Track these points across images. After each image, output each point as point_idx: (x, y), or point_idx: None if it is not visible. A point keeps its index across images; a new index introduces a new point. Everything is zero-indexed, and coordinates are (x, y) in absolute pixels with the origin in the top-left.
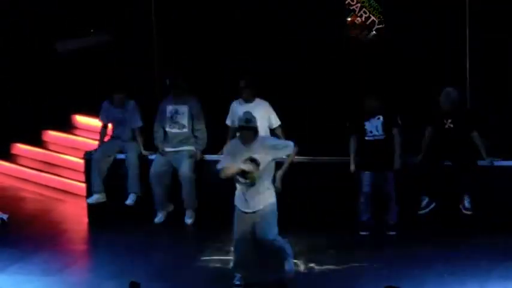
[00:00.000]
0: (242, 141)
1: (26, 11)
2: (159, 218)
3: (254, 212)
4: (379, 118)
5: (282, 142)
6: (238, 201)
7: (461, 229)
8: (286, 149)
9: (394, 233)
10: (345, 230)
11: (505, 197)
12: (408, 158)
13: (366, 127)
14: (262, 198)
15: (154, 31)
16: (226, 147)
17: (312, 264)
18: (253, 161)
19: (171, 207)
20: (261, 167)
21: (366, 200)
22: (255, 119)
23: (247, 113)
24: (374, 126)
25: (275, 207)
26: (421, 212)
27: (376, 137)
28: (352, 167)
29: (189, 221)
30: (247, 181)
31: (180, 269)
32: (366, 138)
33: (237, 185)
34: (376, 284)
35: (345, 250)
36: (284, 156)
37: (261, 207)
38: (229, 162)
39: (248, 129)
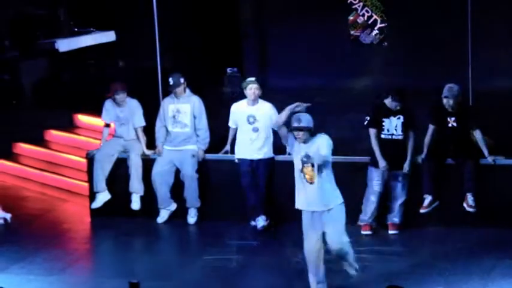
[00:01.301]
0: (298, 141)
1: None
2: (162, 217)
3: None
4: (399, 118)
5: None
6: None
7: (464, 227)
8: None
9: (396, 232)
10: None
11: (508, 195)
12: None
13: (383, 124)
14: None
15: (157, 29)
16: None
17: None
18: (308, 157)
19: (174, 206)
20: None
21: (376, 200)
22: (307, 120)
23: (300, 114)
24: (393, 125)
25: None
26: (423, 210)
27: (394, 136)
28: (382, 164)
29: (191, 220)
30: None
31: (182, 268)
32: (382, 136)
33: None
34: (378, 283)
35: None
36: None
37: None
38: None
39: (300, 130)
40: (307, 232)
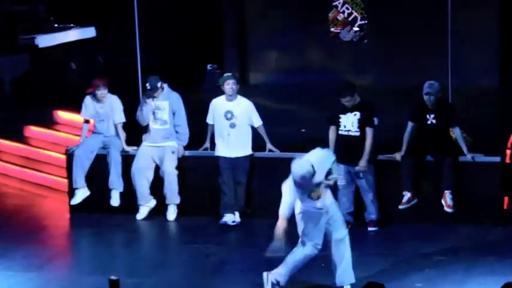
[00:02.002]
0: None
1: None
2: (142, 214)
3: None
4: (355, 114)
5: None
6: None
7: (442, 224)
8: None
9: (374, 229)
10: None
11: (486, 192)
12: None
13: (340, 120)
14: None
15: (137, 26)
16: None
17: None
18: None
19: (153, 203)
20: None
21: (344, 194)
22: (310, 172)
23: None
24: (350, 122)
25: None
26: (402, 207)
27: (351, 133)
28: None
29: (171, 216)
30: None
31: (161, 264)
32: (340, 132)
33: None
34: (357, 280)
35: (324, 247)
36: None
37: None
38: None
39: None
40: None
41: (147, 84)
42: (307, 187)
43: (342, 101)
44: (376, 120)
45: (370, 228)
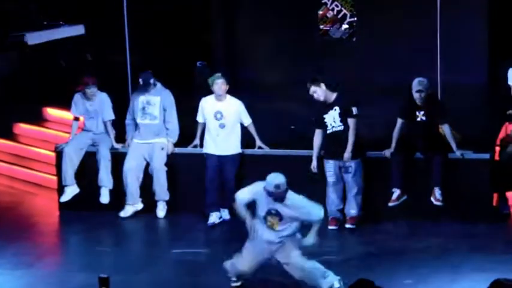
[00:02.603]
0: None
1: None
2: (126, 211)
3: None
4: (335, 109)
5: (307, 208)
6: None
7: (432, 221)
8: (310, 216)
9: (352, 226)
10: None
11: (476, 189)
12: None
13: (325, 120)
14: None
15: (126, 23)
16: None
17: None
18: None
19: (140, 206)
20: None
21: (332, 191)
22: (285, 185)
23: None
24: (332, 118)
25: None
26: (391, 204)
27: (334, 128)
28: (314, 163)
29: (161, 213)
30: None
31: (151, 262)
32: (328, 131)
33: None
34: (346, 277)
35: None
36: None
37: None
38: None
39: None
40: None
41: (140, 80)
42: (278, 197)
43: (315, 99)
44: (354, 110)
45: (347, 225)
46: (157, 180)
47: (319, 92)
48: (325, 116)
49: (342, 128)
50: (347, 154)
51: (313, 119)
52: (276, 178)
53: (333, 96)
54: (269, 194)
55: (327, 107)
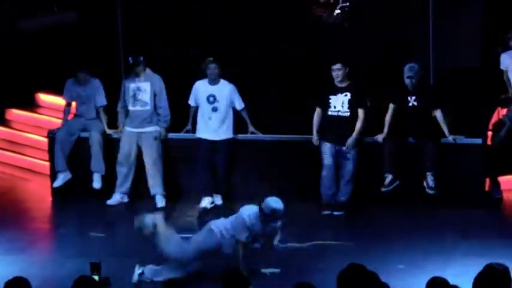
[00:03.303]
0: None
1: None
2: (114, 200)
3: None
4: (346, 95)
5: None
6: None
7: (424, 206)
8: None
9: (341, 213)
10: (308, 207)
11: (468, 174)
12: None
13: (330, 101)
14: None
15: (118, 8)
16: None
17: (274, 242)
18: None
19: (126, 199)
20: None
21: (328, 174)
22: (281, 212)
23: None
24: (340, 102)
25: None
26: (384, 189)
27: (340, 113)
28: (315, 140)
29: (160, 204)
30: None
31: (143, 247)
32: (329, 112)
33: None
34: (339, 261)
35: (307, 228)
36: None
37: None
38: None
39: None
40: None
41: (129, 59)
42: (268, 219)
43: (333, 77)
44: (368, 101)
45: (336, 213)
46: (153, 173)
47: (342, 72)
48: (331, 96)
49: (348, 114)
50: (351, 141)
51: (317, 95)
52: (277, 203)
53: (347, 81)
54: (260, 212)
55: (337, 89)
